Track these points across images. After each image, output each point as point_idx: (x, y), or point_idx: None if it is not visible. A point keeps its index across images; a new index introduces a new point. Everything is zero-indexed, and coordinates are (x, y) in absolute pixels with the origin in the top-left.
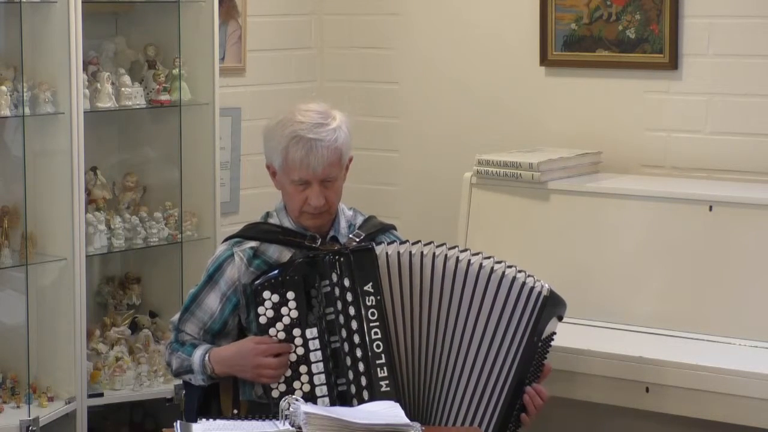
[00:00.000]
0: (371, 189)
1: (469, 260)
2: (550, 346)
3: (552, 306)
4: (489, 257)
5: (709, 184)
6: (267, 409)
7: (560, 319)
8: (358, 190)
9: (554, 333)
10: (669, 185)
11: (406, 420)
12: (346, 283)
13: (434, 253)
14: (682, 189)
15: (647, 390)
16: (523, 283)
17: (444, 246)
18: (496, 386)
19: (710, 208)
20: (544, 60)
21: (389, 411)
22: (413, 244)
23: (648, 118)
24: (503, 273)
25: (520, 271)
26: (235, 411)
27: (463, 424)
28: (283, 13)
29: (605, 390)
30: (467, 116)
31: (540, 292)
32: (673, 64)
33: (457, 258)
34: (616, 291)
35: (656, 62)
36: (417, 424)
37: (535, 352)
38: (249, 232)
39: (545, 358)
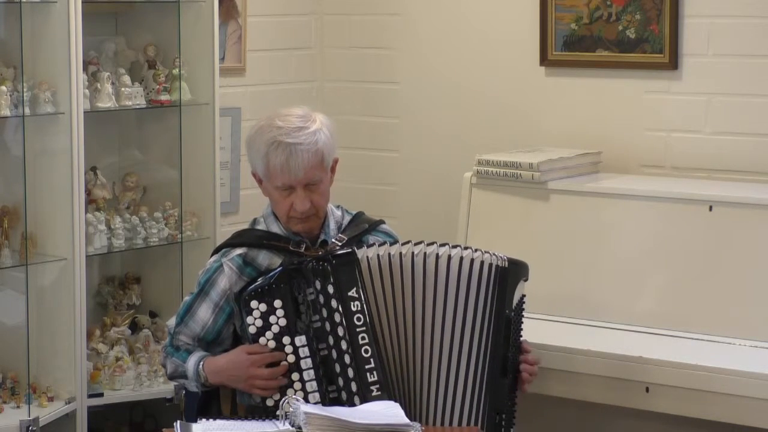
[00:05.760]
0: (371, 189)
1: (437, 254)
2: (523, 309)
3: (513, 275)
4: (456, 246)
5: (709, 184)
6: (266, 412)
7: (525, 280)
8: (358, 190)
9: (524, 296)
10: (669, 185)
11: (406, 420)
12: (330, 290)
13: (413, 253)
14: (682, 189)
15: (647, 390)
16: (482, 262)
17: (422, 244)
18: (484, 370)
19: (710, 208)
20: (544, 60)
21: (389, 411)
22: (392, 244)
23: (648, 118)
24: (461, 257)
25: (476, 251)
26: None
27: (460, 416)
28: (283, 13)
29: (605, 390)
30: (467, 116)
31: (496, 265)
32: (673, 64)
33: (425, 254)
34: (616, 291)
35: (656, 62)
36: (417, 424)
37: (510, 322)
38: (235, 240)
39: (521, 322)
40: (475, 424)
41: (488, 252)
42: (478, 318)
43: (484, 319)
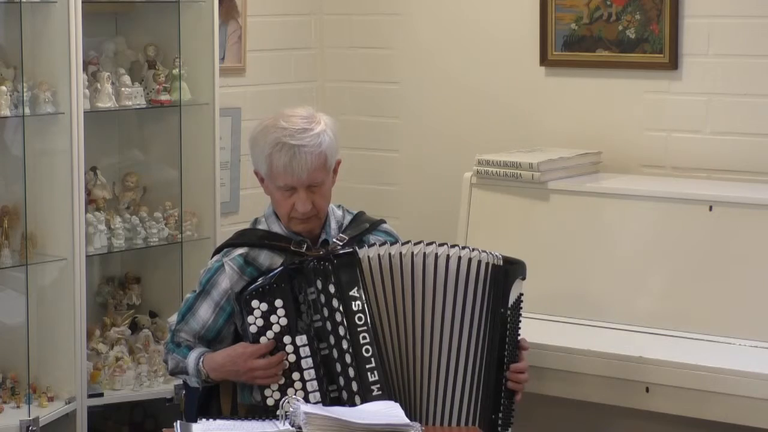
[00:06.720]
0: (371, 189)
1: (436, 254)
2: (521, 309)
3: (508, 273)
4: (454, 246)
5: (709, 184)
6: (266, 411)
7: (523, 278)
8: (358, 190)
9: (521, 295)
10: (669, 185)
11: (406, 420)
12: (331, 289)
13: (413, 252)
14: (682, 189)
15: (647, 390)
16: (479, 261)
17: (422, 243)
18: (482, 368)
19: (710, 208)
20: (544, 60)
21: (389, 411)
22: (392, 244)
23: (648, 118)
24: (459, 257)
25: (473, 250)
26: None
27: (459, 415)
28: (283, 13)
29: (605, 390)
30: (467, 116)
31: (492, 264)
32: (673, 64)
33: (424, 254)
34: (616, 291)
35: (656, 62)
36: (417, 424)
37: (506, 321)
38: (237, 240)
39: (519, 322)
40: (473, 423)
41: (485, 251)
42: (476, 317)
43: (481, 317)
